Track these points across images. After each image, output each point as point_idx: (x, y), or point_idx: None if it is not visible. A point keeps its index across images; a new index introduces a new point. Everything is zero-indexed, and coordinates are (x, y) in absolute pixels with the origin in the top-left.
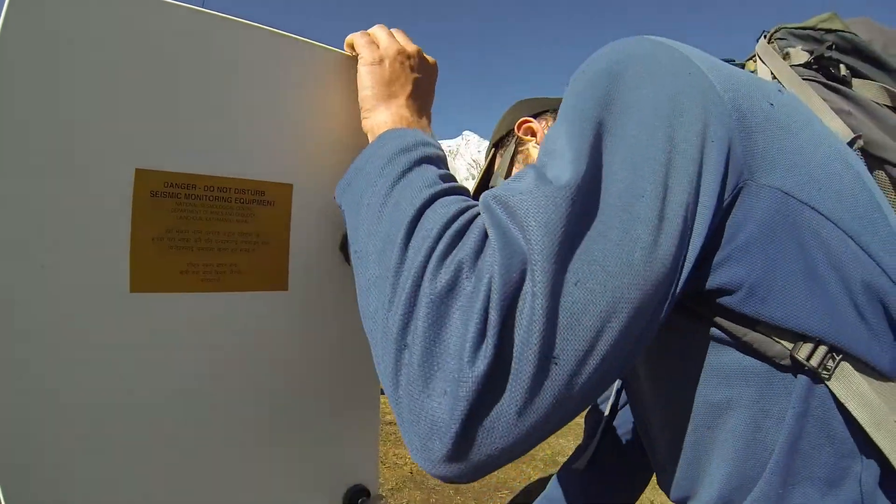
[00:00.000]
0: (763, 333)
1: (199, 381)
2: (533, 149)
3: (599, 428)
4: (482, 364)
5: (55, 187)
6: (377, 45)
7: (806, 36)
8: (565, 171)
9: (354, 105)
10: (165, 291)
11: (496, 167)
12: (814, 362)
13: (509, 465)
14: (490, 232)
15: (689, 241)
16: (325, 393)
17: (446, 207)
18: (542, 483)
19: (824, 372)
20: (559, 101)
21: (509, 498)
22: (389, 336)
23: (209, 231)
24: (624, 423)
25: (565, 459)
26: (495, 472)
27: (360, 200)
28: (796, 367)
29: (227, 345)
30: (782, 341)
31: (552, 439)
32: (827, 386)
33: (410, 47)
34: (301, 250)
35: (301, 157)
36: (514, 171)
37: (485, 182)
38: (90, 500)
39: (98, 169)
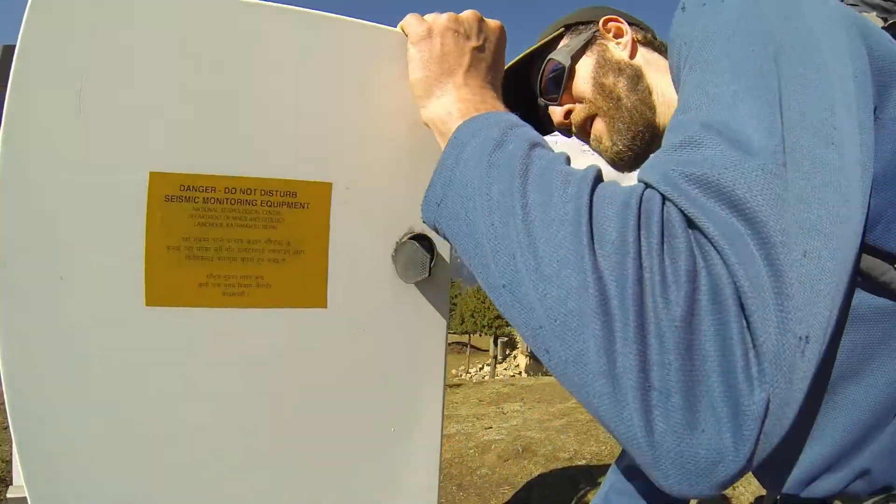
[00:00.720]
0: None
1: (222, 408)
2: (614, 48)
3: None
4: (760, 385)
5: (69, 194)
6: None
7: (876, 4)
8: (759, 131)
9: (403, 86)
10: (183, 305)
11: (561, 45)
12: None
13: (510, 461)
14: (704, 224)
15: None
16: (371, 426)
17: (620, 206)
18: (542, 478)
19: None
20: (643, 24)
21: (511, 493)
22: (623, 382)
23: (231, 239)
24: None
25: (566, 456)
26: (496, 469)
27: (474, 218)
28: None
29: (255, 368)
30: None
31: (553, 435)
32: None
33: (465, 14)
34: (343, 260)
35: (341, 151)
36: (581, 58)
37: (538, 54)
38: None
39: (111, 173)
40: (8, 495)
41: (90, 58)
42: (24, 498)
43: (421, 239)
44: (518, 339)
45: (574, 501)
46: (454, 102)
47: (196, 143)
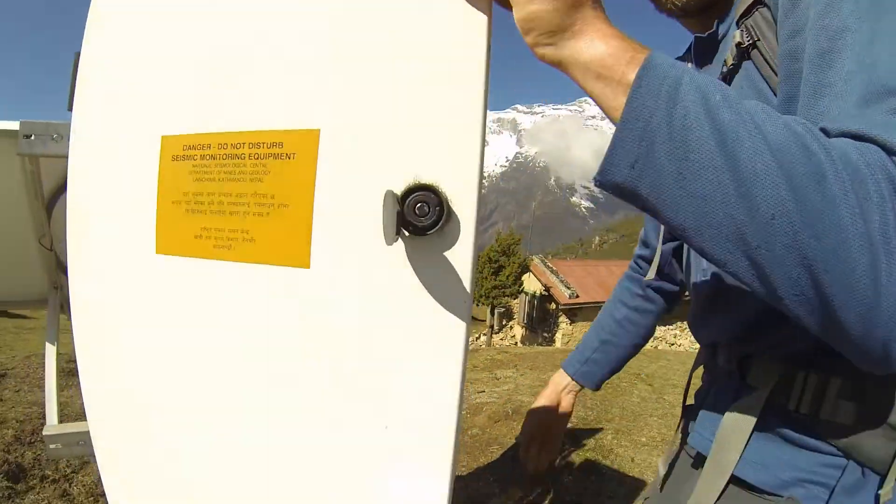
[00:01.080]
0: None
1: (204, 360)
2: None
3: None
4: None
5: (114, 161)
6: None
7: None
8: None
9: (401, 16)
10: (182, 255)
11: None
12: None
13: (500, 422)
14: None
15: None
16: (357, 416)
17: (863, 163)
18: None
19: None
20: None
21: (499, 452)
22: (885, 304)
23: (221, 193)
24: None
25: None
26: (486, 429)
27: (700, 179)
28: None
29: (236, 324)
30: None
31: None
32: None
33: None
34: (330, 216)
35: (331, 91)
36: None
37: None
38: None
39: (137, 140)
40: (44, 433)
41: (122, 50)
42: (62, 434)
43: (427, 191)
44: (515, 309)
45: (558, 461)
46: (604, 40)
47: (195, 104)
